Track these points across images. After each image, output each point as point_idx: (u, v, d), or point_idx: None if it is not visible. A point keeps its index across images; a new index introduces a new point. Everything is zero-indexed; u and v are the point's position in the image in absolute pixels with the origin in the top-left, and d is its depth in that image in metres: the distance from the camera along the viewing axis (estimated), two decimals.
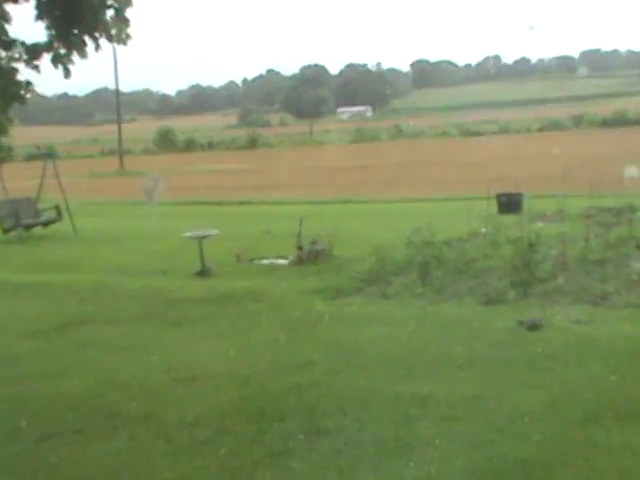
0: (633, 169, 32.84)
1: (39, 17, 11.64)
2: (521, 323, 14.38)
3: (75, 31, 11.73)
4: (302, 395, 11.15)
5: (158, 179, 36.48)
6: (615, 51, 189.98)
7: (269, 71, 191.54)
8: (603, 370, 11.53)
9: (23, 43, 11.77)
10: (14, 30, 11.68)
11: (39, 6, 11.56)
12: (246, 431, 10.01)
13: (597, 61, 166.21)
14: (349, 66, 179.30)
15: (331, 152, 71.00)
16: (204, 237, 22.09)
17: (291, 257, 22.34)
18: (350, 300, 17.59)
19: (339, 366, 12.61)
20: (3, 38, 11.61)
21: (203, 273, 21.25)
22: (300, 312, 16.74)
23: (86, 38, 11.79)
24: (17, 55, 11.77)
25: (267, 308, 17.18)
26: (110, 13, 11.81)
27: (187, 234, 22.81)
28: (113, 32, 11.97)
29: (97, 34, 11.83)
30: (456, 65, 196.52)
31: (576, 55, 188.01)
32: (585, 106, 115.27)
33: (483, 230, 24.60)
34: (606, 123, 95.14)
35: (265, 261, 22.59)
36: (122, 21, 11.94)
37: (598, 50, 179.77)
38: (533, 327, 14.17)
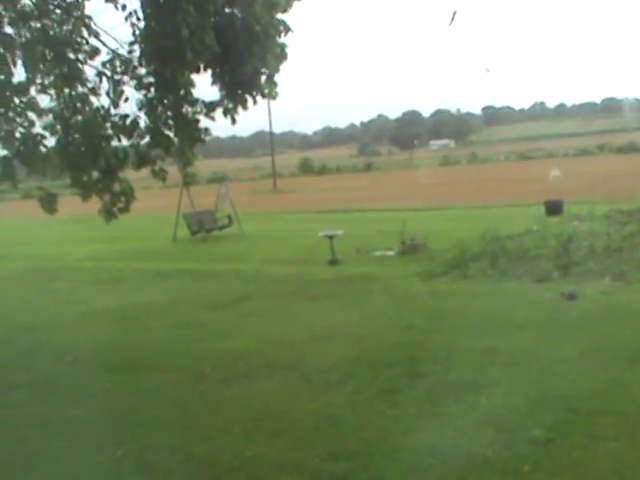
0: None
1: (214, 83, 11.89)
2: (562, 295, 14.15)
3: (239, 91, 11.89)
4: (405, 349, 11.09)
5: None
6: (626, 97, 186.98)
7: (379, 115, 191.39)
8: (621, 327, 11.32)
9: (203, 101, 11.97)
10: (197, 92, 11.89)
11: (214, 75, 11.77)
12: (365, 375, 9.98)
13: (613, 106, 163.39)
14: (438, 111, 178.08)
15: (424, 173, 70.45)
16: (333, 236, 22.14)
17: (396, 249, 22.20)
18: (440, 280, 17.47)
19: (432, 328, 12.53)
20: (189, 98, 11.79)
21: (333, 262, 21.24)
22: (403, 289, 16.71)
23: (247, 96, 11.95)
24: (199, 109, 11.96)
25: (379, 287, 17.12)
26: (263, 78, 11.95)
27: (321, 234, 22.88)
28: (266, 91, 12.10)
29: (254, 93, 12.00)
30: (514, 109, 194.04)
31: (598, 101, 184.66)
32: (606, 138, 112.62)
33: (535, 228, 24.21)
34: (621, 150, 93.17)
35: (377, 253, 22.45)
36: (272, 83, 12.07)
37: (614, 97, 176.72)
38: (571, 297, 13.93)
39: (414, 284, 17.15)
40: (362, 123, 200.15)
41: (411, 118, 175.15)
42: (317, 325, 13.43)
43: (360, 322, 13.50)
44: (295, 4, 11.62)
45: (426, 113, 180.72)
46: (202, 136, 12.22)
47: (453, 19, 9.63)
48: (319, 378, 10.04)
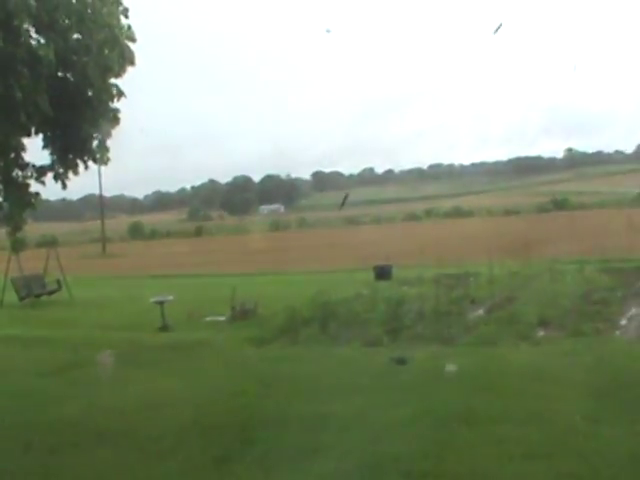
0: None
1: (45, 147, 11.71)
2: (392, 359, 14.49)
3: (70, 156, 11.79)
4: (238, 415, 11.10)
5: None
6: (452, 164, 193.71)
7: (210, 180, 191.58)
8: (450, 390, 11.71)
9: (34, 165, 11.78)
10: (27, 156, 11.70)
11: (45, 139, 11.61)
12: (198, 442, 9.92)
13: (440, 172, 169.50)
14: (268, 176, 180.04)
15: (255, 238, 70.90)
16: (164, 301, 22.04)
17: (227, 315, 22.26)
18: (271, 346, 17.67)
19: (264, 393, 12.57)
20: (20, 162, 11.60)
21: (164, 328, 21.12)
22: (235, 355, 16.76)
23: (78, 161, 11.86)
24: (29, 174, 11.77)
25: (211, 353, 17.08)
26: (95, 143, 11.89)
27: (151, 299, 22.76)
28: (97, 156, 12.03)
29: (86, 158, 11.91)
30: (343, 174, 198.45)
31: (425, 167, 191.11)
32: (433, 203, 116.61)
33: (364, 292, 24.79)
34: (448, 215, 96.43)
35: (209, 318, 22.44)
36: (103, 148, 12.02)
37: (440, 164, 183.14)
38: (401, 362, 14.27)
39: (245, 350, 17.27)
40: (193, 187, 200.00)
41: (242, 183, 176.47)
42: (148, 392, 13.26)
43: (192, 388, 13.41)
44: (129, 69, 11.67)
45: (256, 178, 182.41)
46: (32, 201, 12.01)
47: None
48: (152, 446, 9.91)
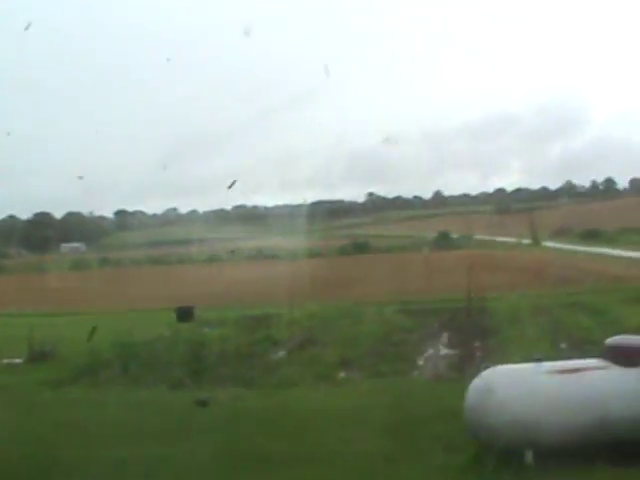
0: None
1: None
2: (195, 401, 14.43)
3: None
4: (35, 462, 10.77)
5: None
6: (256, 206, 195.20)
7: (10, 216, 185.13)
8: (251, 431, 11.84)
9: None
10: None
11: None
12: None
13: (244, 213, 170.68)
14: (69, 213, 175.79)
15: (55, 277, 68.69)
16: None
17: (25, 357, 21.51)
18: (70, 388, 17.22)
19: (62, 438, 12.26)
20: None
21: None
22: (32, 398, 16.21)
23: None
24: None
25: (6, 396, 16.51)
26: None
27: None
28: None
29: None
30: (147, 214, 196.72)
31: (229, 208, 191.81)
32: (236, 244, 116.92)
33: (166, 334, 24.57)
34: (251, 257, 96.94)
35: (5, 360, 21.58)
36: None
37: (244, 205, 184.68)
38: (203, 404, 14.25)
39: (44, 393, 16.71)
40: None
41: (42, 220, 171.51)
42: None
43: None
44: None
45: (58, 215, 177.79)
46: None
47: None
48: None
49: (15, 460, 10.96)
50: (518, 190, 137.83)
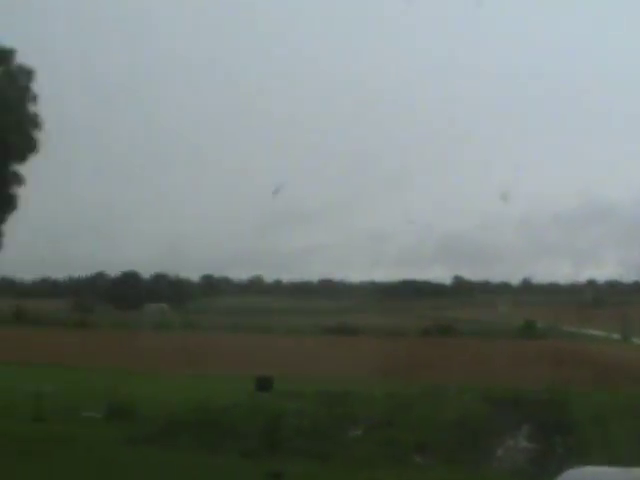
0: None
1: None
2: (268, 474, 14.41)
3: None
4: None
5: None
6: (342, 280, 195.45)
7: (99, 272, 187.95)
8: None
9: None
10: None
11: None
12: None
13: (329, 286, 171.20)
14: (157, 274, 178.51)
15: (139, 336, 69.03)
16: (40, 392, 21.44)
17: (104, 411, 21.73)
18: (146, 448, 17.28)
19: None
20: None
21: (38, 419, 20.44)
22: (107, 453, 16.35)
23: None
24: None
25: (84, 450, 16.71)
26: None
27: (28, 389, 22.09)
28: None
29: None
30: (232, 280, 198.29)
31: (315, 280, 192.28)
32: (319, 318, 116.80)
33: (245, 402, 24.63)
34: (334, 331, 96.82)
35: (85, 413, 21.91)
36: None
37: (331, 279, 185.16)
38: (276, 477, 14.22)
39: (121, 451, 16.80)
40: (81, 277, 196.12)
41: (130, 278, 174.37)
42: None
43: None
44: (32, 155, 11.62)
45: (145, 274, 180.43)
46: None
47: None
48: None
49: None
50: (611, 282, 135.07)
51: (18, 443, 17.15)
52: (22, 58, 11.49)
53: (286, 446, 17.70)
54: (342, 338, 78.60)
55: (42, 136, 11.61)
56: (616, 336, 74.89)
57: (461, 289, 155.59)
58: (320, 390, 28.17)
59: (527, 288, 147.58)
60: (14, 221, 12.23)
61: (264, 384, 30.41)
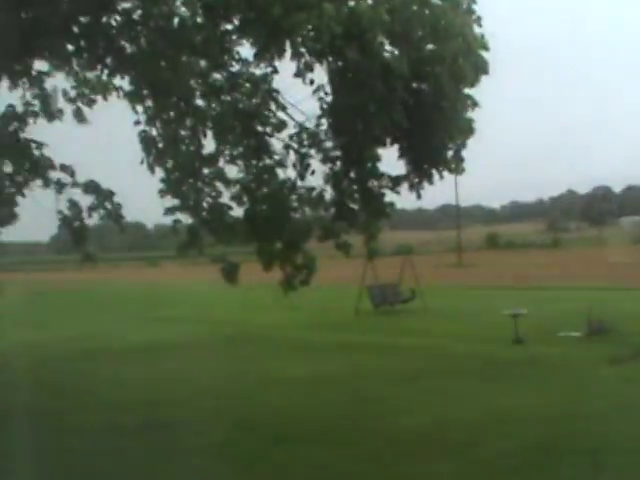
0: None
1: (400, 157, 11.81)
2: None
3: (425, 166, 11.79)
4: (589, 440, 10.65)
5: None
6: None
7: (569, 190, 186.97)
8: None
9: (389, 175, 11.93)
10: (382, 166, 11.87)
11: (400, 150, 11.70)
12: (546, 464, 9.64)
13: None
14: (629, 186, 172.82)
15: (615, 251, 67.80)
16: (517, 314, 21.64)
17: (583, 331, 21.38)
18: (629, 366, 16.70)
19: (615, 418, 11.98)
20: (375, 172, 11.84)
21: (517, 342, 20.68)
22: (589, 374, 16.06)
23: (433, 171, 11.83)
24: (384, 184, 11.93)
25: (563, 370, 16.56)
26: (450, 153, 11.81)
27: (505, 312, 22.42)
28: (452, 166, 11.95)
29: (441, 168, 11.85)
30: None
31: None
32: None
33: None
34: None
35: (562, 333, 21.72)
36: (459, 159, 11.92)
37: None
38: None
39: (601, 369, 16.41)
40: (550, 198, 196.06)
41: (601, 194, 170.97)
42: (496, 407, 13.10)
43: (541, 406, 13.06)
44: (483, 78, 11.52)
45: (617, 188, 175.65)
46: (387, 211, 12.19)
47: None
48: (499, 463, 9.74)
49: (569, 435, 10.96)
50: None
51: (500, 365, 17.47)
52: None
53: None
54: None
55: (490, 58, 11.36)
56: None
57: None
58: None
59: None
60: (474, 146, 12.17)
61: None
